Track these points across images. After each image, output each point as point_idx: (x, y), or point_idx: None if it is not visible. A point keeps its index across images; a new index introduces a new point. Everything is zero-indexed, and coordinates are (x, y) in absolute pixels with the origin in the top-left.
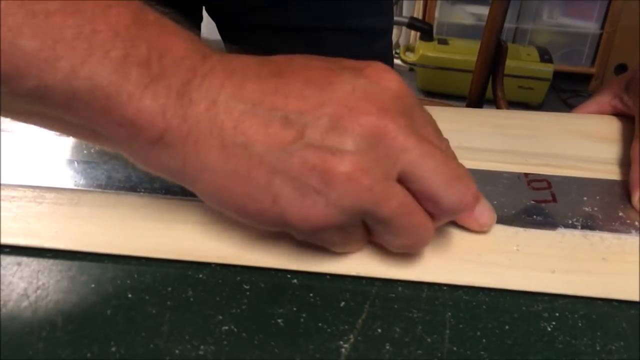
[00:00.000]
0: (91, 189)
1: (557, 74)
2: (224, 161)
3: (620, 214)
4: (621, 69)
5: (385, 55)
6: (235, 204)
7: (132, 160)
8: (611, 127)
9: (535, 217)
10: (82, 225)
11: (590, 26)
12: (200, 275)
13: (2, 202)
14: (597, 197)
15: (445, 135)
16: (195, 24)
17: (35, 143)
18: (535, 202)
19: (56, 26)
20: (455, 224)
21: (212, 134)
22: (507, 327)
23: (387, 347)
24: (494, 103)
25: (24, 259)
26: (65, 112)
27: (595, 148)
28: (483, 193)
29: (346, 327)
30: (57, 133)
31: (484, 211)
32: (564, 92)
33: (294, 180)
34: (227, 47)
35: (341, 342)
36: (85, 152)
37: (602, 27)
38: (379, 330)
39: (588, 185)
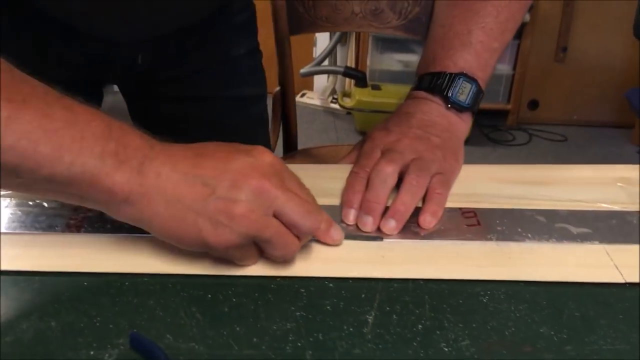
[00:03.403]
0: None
1: (478, 112)
2: (166, 210)
3: (519, 229)
4: (533, 104)
5: (261, 116)
6: (175, 236)
7: (109, 214)
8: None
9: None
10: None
11: (504, 68)
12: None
13: None
14: (505, 220)
15: None
16: (98, 99)
17: None
18: (467, 226)
19: (60, 136)
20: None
21: (159, 194)
22: (460, 301)
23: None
24: None
25: None
26: (67, 187)
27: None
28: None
29: (367, 308)
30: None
31: (335, 232)
32: (486, 127)
33: (210, 219)
34: (131, 115)
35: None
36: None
37: (514, 68)
38: (387, 308)
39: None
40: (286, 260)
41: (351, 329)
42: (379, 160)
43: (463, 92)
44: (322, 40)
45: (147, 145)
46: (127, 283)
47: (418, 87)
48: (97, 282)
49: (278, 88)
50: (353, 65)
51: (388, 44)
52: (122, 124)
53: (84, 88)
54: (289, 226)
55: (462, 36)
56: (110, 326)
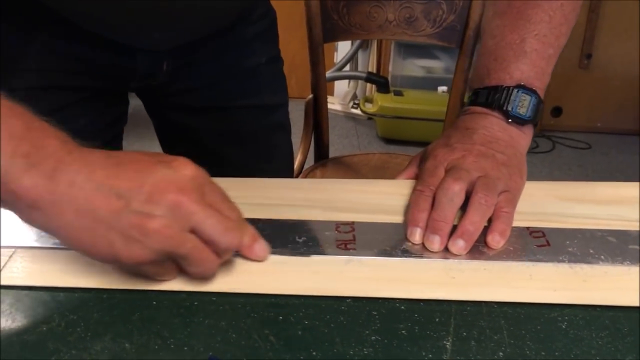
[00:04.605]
0: None
1: None
2: (77, 221)
3: (591, 250)
4: (557, 111)
5: (282, 123)
6: (84, 248)
7: (19, 218)
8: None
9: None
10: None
11: None
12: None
13: None
14: (575, 241)
15: None
16: (123, 107)
17: None
18: (537, 246)
19: None
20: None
21: (70, 203)
22: (538, 327)
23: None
24: None
25: None
26: None
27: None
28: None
29: (443, 332)
30: None
31: (260, 248)
32: None
33: (122, 233)
34: (154, 124)
35: (444, 342)
36: None
37: None
38: (464, 334)
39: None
40: (205, 278)
41: (430, 356)
42: (444, 178)
43: (523, 105)
44: (343, 46)
45: (64, 149)
46: (196, 303)
47: (474, 102)
48: (166, 301)
49: (311, 96)
50: (374, 71)
51: (410, 50)
52: (43, 125)
53: (109, 94)
54: (207, 242)
55: (514, 46)
56: (185, 349)
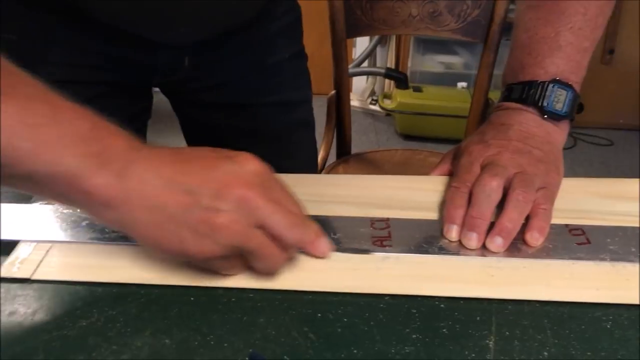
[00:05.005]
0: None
1: None
2: (148, 217)
3: (633, 249)
4: (578, 107)
5: (305, 119)
6: (156, 243)
7: (89, 216)
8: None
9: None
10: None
11: None
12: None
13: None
14: (616, 239)
15: None
16: (147, 101)
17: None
18: (577, 244)
19: (41, 133)
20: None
21: (141, 200)
22: (583, 327)
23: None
24: None
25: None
26: (46, 186)
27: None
28: None
29: (486, 332)
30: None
31: (323, 244)
32: None
33: (192, 228)
34: (179, 119)
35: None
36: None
37: None
38: (507, 333)
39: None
40: (271, 273)
41: (473, 355)
42: (481, 174)
43: (559, 101)
44: (362, 42)
45: (132, 148)
46: (233, 299)
47: (508, 98)
48: (203, 297)
49: (333, 92)
50: (393, 67)
51: (430, 45)
52: (108, 125)
53: (132, 89)
54: (274, 238)
55: (549, 40)
56: (225, 345)
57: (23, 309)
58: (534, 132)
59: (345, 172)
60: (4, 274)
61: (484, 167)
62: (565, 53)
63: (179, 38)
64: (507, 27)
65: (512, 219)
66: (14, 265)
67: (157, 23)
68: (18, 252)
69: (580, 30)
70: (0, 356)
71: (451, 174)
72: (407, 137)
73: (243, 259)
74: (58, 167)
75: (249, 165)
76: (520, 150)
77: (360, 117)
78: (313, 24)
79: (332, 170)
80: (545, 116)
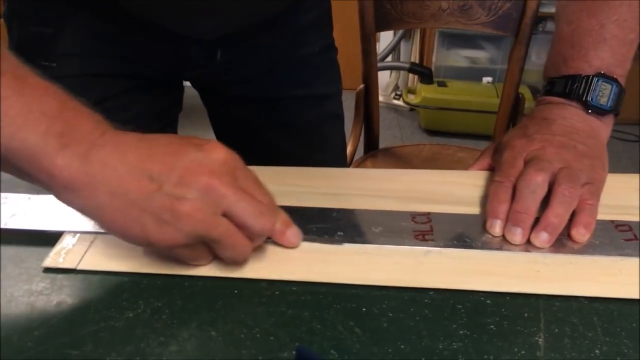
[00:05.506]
0: None
1: None
2: (110, 203)
3: None
4: None
5: (335, 113)
6: (117, 229)
7: (57, 198)
8: None
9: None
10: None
11: None
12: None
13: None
14: None
15: None
16: (178, 94)
17: None
18: (624, 240)
19: (4, 106)
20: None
21: (104, 184)
22: (634, 324)
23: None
24: None
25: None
26: (7, 161)
27: None
28: None
29: (534, 328)
30: None
31: (292, 234)
32: None
33: (154, 215)
34: (209, 113)
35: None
36: None
37: None
38: (556, 330)
39: None
40: (238, 262)
41: (523, 352)
42: (526, 169)
43: (603, 95)
44: (385, 36)
45: (98, 130)
46: (277, 292)
47: (550, 92)
48: (247, 290)
49: (362, 86)
50: (417, 61)
51: (454, 40)
52: (77, 105)
53: (163, 82)
54: (240, 227)
55: (593, 32)
56: (272, 338)
57: (70, 300)
58: (578, 126)
59: (374, 167)
60: (51, 264)
61: (527, 162)
62: (609, 46)
63: (209, 31)
64: (537, 21)
65: (558, 214)
66: (60, 256)
67: (187, 16)
68: (63, 243)
69: (626, 22)
70: (49, 345)
71: (491, 169)
72: (431, 132)
73: (209, 248)
74: (18, 142)
75: (216, 153)
76: (564, 145)
77: (384, 111)
78: (336, 18)
79: (360, 164)
80: (590, 111)
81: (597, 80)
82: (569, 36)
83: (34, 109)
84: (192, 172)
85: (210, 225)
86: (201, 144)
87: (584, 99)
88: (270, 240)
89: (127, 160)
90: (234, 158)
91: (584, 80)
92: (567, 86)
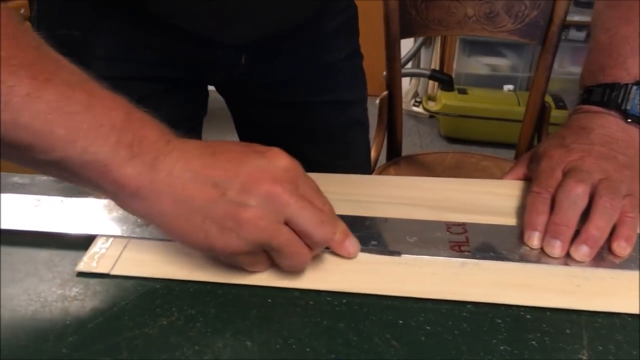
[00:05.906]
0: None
1: None
2: (174, 209)
3: None
4: None
5: (359, 118)
6: (181, 236)
7: (119, 205)
8: None
9: None
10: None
11: None
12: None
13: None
14: None
15: None
16: (203, 99)
17: None
18: None
19: (77, 121)
20: None
21: (168, 191)
22: None
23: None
24: None
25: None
26: (77, 173)
27: None
28: None
29: (577, 345)
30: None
31: (351, 244)
32: None
33: (217, 222)
34: (234, 118)
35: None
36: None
37: None
38: (600, 348)
39: None
40: (296, 271)
41: None
42: (565, 179)
43: None
44: (406, 43)
45: (163, 139)
46: (311, 302)
47: (587, 100)
48: (281, 299)
49: (386, 92)
50: (437, 68)
51: (475, 47)
52: (143, 116)
53: (188, 86)
54: (301, 235)
55: (631, 40)
56: (307, 349)
57: (104, 305)
58: (617, 136)
59: (397, 174)
60: (84, 269)
61: (566, 173)
62: None
63: (236, 37)
64: (564, 28)
65: (599, 227)
66: (93, 260)
67: (215, 22)
68: (96, 247)
69: None
70: (84, 352)
71: (526, 179)
72: (451, 139)
73: (269, 256)
74: (90, 155)
75: (279, 160)
76: (604, 156)
77: (403, 118)
78: (369, 23)
79: (383, 172)
80: (629, 120)
81: (637, 89)
82: (606, 44)
83: (104, 122)
84: (255, 179)
85: (272, 234)
86: (264, 151)
87: (622, 107)
88: (327, 249)
89: (191, 167)
90: (295, 165)
91: (623, 89)
92: (605, 95)
